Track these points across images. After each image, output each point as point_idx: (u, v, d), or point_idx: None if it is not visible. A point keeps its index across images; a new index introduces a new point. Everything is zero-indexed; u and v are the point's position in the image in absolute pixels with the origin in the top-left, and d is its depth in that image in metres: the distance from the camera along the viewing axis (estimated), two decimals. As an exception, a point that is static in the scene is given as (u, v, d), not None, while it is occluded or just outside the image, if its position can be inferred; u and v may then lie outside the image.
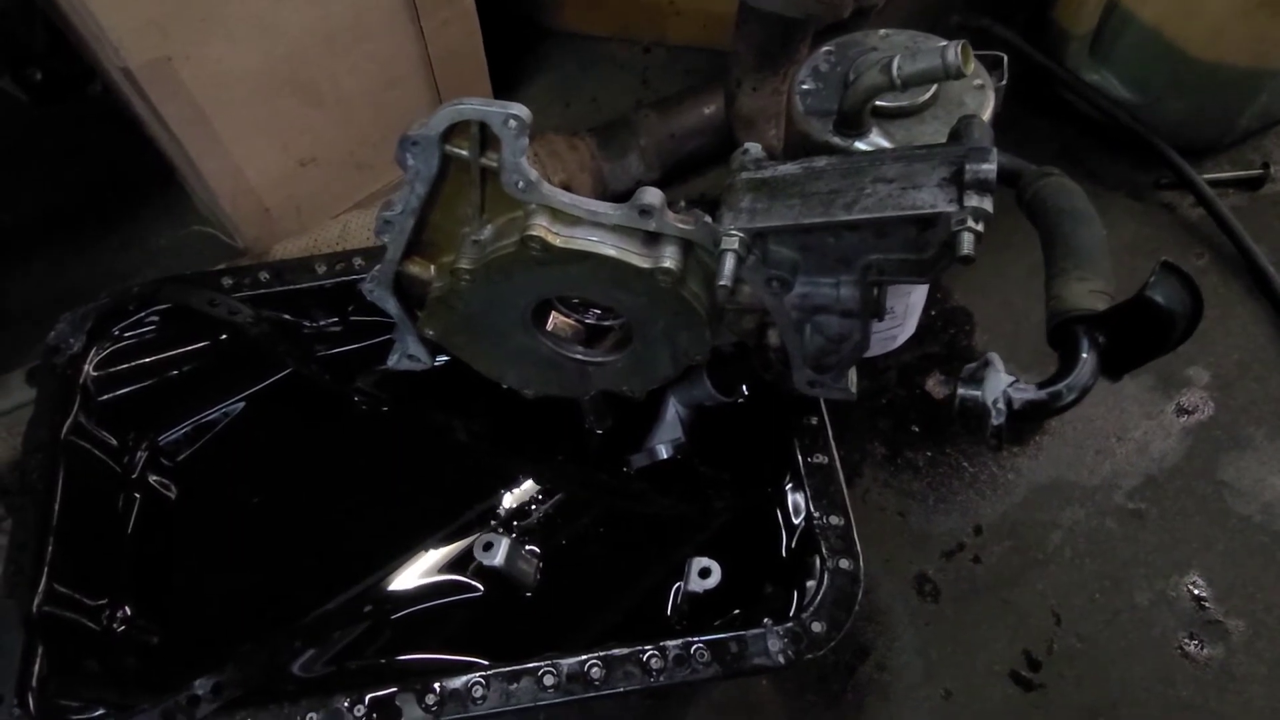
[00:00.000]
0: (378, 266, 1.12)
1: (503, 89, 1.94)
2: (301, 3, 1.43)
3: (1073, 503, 1.50)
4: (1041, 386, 0.80)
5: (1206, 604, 1.40)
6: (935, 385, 1.57)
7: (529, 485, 1.35)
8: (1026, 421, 0.81)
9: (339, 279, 1.33)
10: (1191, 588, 1.42)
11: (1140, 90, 1.78)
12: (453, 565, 1.28)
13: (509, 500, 1.34)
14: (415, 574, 1.28)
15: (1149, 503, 1.49)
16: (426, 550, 1.29)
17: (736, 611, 1.17)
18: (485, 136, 0.96)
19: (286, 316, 1.36)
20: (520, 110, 0.92)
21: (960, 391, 0.82)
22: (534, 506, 1.33)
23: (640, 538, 1.32)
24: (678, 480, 1.32)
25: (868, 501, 1.50)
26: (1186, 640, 1.38)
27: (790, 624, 1.04)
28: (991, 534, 1.47)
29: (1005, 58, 1.19)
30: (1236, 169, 1.84)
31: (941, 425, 1.55)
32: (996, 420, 0.79)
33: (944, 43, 0.97)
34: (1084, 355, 0.80)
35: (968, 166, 0.85)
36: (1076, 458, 1.54)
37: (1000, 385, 0.80)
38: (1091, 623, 1.39)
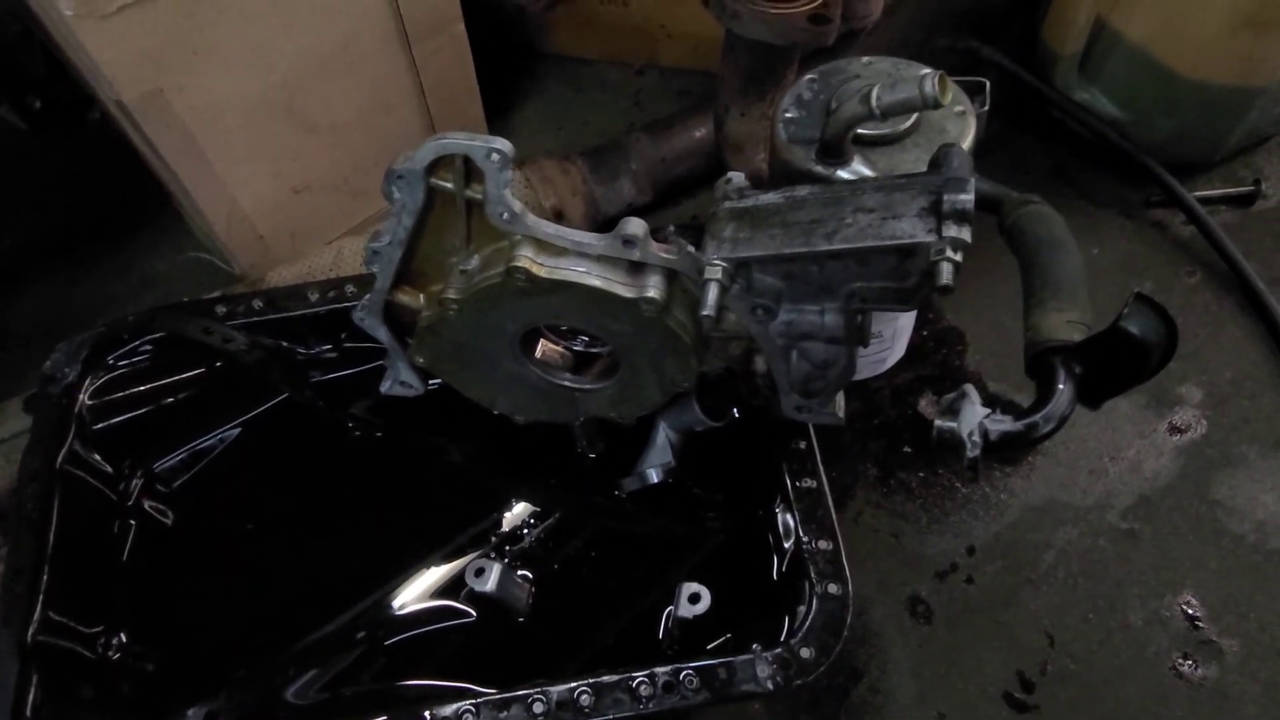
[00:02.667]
0: (368, 296, 1.13)
1: (495, 113, 1.95)
2: (294, 31, 1.45)
3: (1065, 523, 1.50)
4: (1019, 418, 0.81)
5: (1200, 624, 1.40)
6: (928, 406, 1.58)
7: (522, 508, 1.35)
8: (1005, 452, 0.82)
9: (332, 306, 1.34)
10: (1185, 607, 1.42)
11: (1129, 109, 1.78)
12: (445, 590, 1.28)
13: (503, 525, 1.34)
14: (409, 599, 1.28)
15: (1142, 522, 1.49)
16: (420, 574, 1.29)
17: (728, 635, 1.17)
18: (469, 170, 0.97)
19: (281, 343, 1.37)
20: (503, 145, 0.93)
21: (937, 423, 0.83)
22: (526, 530, 1.34)
23: (633, 560, 1.32)
24: (670, 502, 1.33)
25: (860, 523, 1.50)
26: (1180, 660, 1.38)
27: (779, 650, 1.04)
28: (984, 554, 1.47)
29: (987, 84, 1.19)
30: (1227, 186, 1.84)
31: (934, 446, 1.55)
32: (972, 452, 0.79)
33: (924, 71, 0.98)
34: (1060, 386, 0.80)
35: (945, 196, 0.86)
36: (1069, 478, 1.54)
37: (976, 417, 0.81)
38: (1085, 643, 1.39)
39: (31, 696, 1.08)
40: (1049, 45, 1.81)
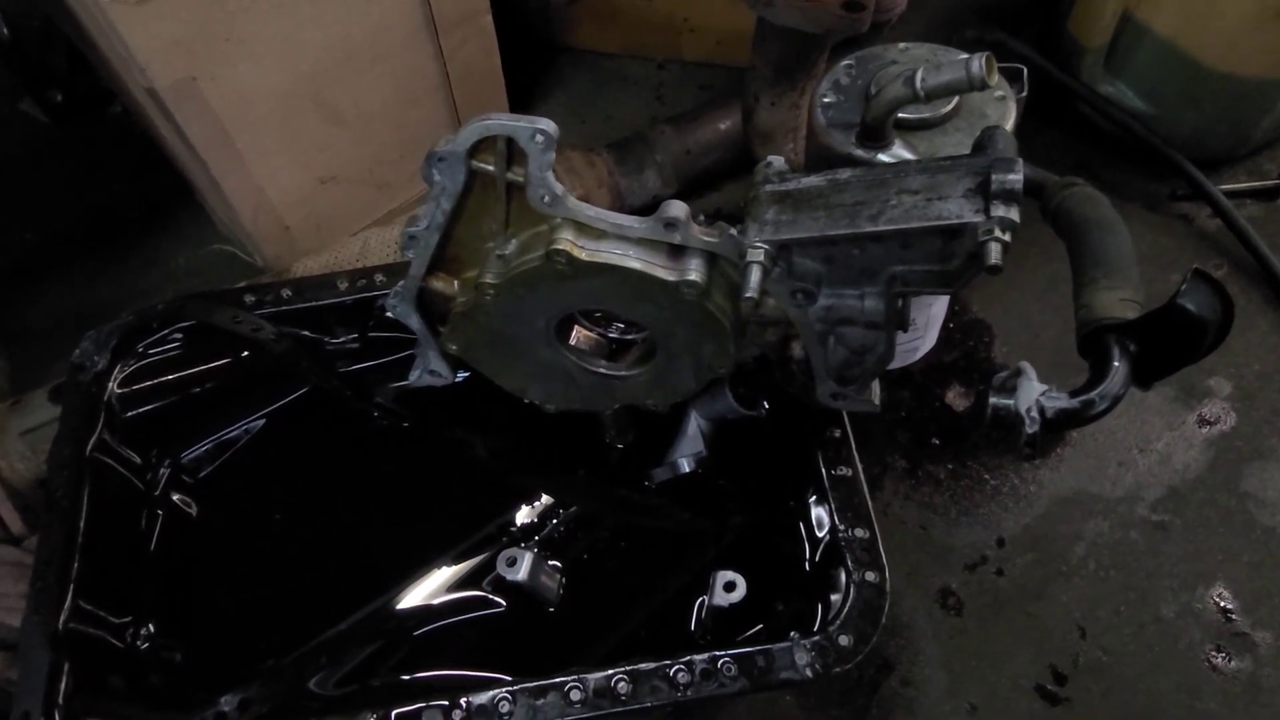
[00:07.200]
0: (401, 282, 1.12)
1: (519, 106, 1.95)
2: (323, 22, 1.45)
3: (1095, 515, 1.49)
4: (1074, 395, 0.80)
5: (1233, 616, 1.39)
6: (955, 397, 1.57)
7: (548, 500, 1.35)
8: (1058, 430, 0.81)
9: (360, 295, 1.33)
10: (1217, 599, 1.41)
11: (1155, 102, 1.78)
12: (474, 581, 1.27)
13: (529, 515, 1.33)
14: (438, 590, 1.27)
15: (1172, 514, 1.48)
16: (448, 565, 1.29)
17: (760, 626, 1.16)
18: (511, 151, 0.96)
19: (308, 333, 1.36)
20: (547, 125, 0.93)
21: (992, 400, 0.82)
22: (554, 521, 1.33)
23: (661, 551, 1.31)
24: (698, 494, 1.32)
25: (889, 515, 1.49)
26: (1213, 653, 1.37)
27: (817, 637, 1.04)
28: (1014, 546, 1.47)
29: (1025, 70, 1.19)
30: (1253, 179, 1.84)
31: (962, 437, 1.54)
32: (1030, 429, 0.78)
33: (965, 55, 0.97)
34: (1115, 364, 0.79)
35: (994, 176, 0.85)
36: (1098, 469, 1.53)
37: (1033, 394, 0.80)
38: (1117, 636, 1.38)
39: (63, 685, 1.07)
40: (1075, 38, 1.80)
